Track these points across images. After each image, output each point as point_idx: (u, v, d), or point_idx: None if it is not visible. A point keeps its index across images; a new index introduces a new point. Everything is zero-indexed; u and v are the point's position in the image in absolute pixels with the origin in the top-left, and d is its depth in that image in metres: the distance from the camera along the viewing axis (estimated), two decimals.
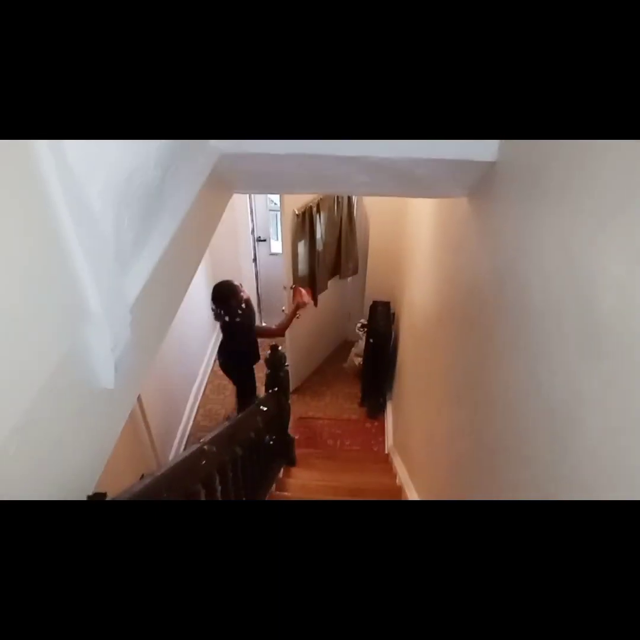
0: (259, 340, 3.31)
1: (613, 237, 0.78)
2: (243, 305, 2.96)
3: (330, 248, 4.06)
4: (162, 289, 1.10)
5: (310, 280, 3.97)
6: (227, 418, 1.73)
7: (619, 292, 0.75)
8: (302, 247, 3.73)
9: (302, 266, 3.83)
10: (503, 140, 1.31)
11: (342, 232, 4.07)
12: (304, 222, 3.62)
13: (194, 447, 1.29)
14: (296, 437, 3.58)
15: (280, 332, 3.37)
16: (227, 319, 2.96)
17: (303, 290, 3.40)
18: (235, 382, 3.58)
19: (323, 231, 3.87)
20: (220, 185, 1.60)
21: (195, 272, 1.43)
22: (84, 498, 0.78)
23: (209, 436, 1.40)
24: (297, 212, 3.46)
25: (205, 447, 1.30)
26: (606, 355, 0.77)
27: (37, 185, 0.64)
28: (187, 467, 1.17)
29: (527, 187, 1.16)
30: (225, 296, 2.98)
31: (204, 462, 1.27)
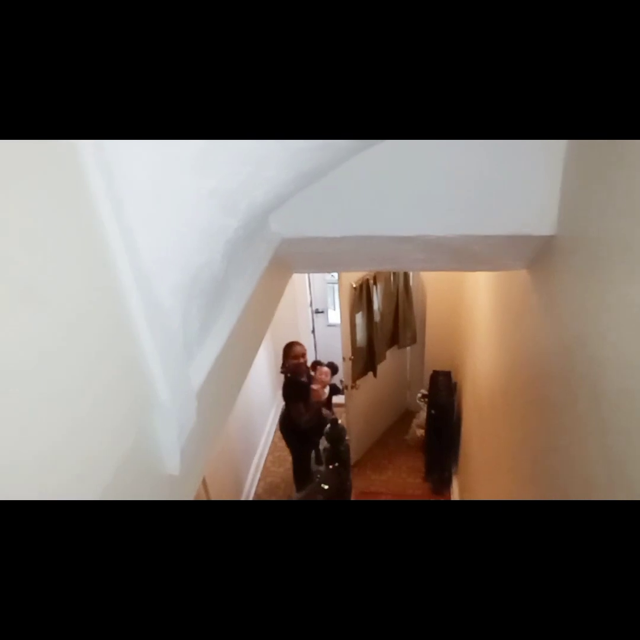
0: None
1: None
2: (291, 369, 3.21)
3: (387, 318, 4.08)
4: (226, 372, 1.13)
5: (369, 350, 3.97)
6: (289, 498, 1.70)
7: None
8: (359, 319, 3.77)
9: (360, 337, 3.85)
10: (562, 213, 1.30)
11: (399, 302, 4.09)
12: (361, 294, 3.67)
13: None
14: None
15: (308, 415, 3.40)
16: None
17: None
18: (290, 450, 3.72)
19: (380, 302, 3.90)
20: (281, 268, 1.67)
21: (257, 351, 1.47)
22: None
23: None
24: (354, 285, 3.52)
25: None
26: None
27: (113, 287, 0.69)
28: None
29: (590, 260, 1.13)
30: (284, 354, 3.47)
31: None
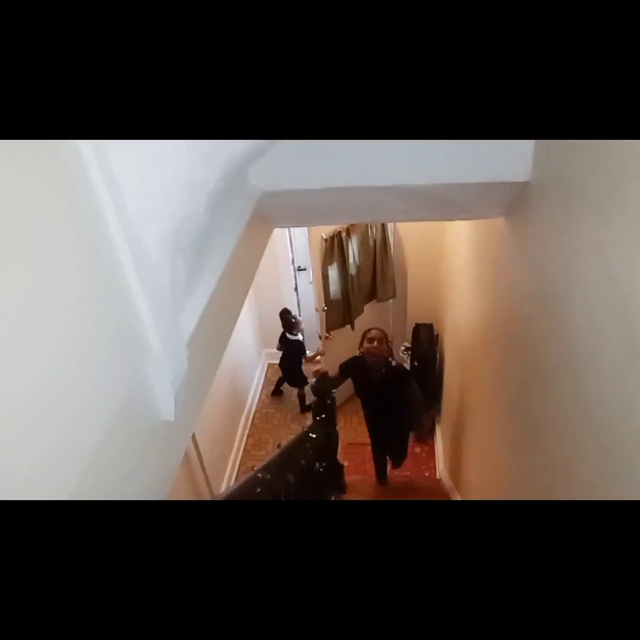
0: None
1: None
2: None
3: (364, 271, 4.08)
4: (213, 323, 1.17)
5: (345, 303, 4.00)
6: (279, 446, 1.77)
7: None
8: (333, 271, 3.79)
9: (334, 289, 3.87)
10: (536, 160, 1.33)
11: (376, 255, 4.07)
12: (333, 246, 3.68)
13: (248, 475, 1.33)
14: (345, 464, 3.57)
15: None
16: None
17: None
18: None
19: (356, 255, 3.91)
20: (262, 222, 1.68)
21: (242, 304, 1.50)
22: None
23: (262, 464, 1.44)
24: (324, 237, 3.54)
25: (260, 474, 1.34)
26: None
27: (103, 240, 0.70)
28: (243, 494, 1.21)
29: (562, 205, 1.17)
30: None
31: (259, 490, 1.30)
